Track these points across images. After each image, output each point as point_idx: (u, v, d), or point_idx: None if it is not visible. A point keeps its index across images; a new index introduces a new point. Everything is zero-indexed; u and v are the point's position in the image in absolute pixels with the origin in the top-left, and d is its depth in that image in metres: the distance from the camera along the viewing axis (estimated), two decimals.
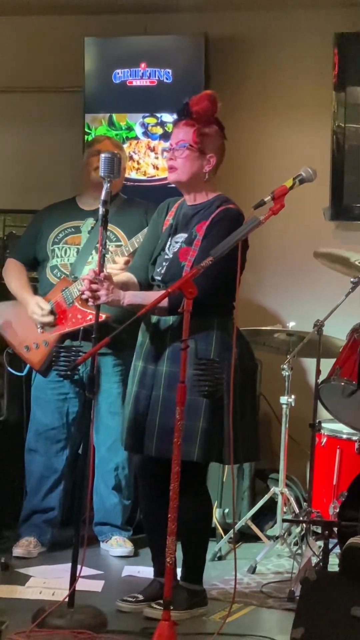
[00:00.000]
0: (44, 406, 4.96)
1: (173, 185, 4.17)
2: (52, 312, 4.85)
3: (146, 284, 4.13)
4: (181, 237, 4.05)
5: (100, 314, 4.01)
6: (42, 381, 4.96)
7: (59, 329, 4.85)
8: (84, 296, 4.03)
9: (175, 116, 4.15)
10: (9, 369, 5.16)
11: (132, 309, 3.92)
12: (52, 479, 4.94)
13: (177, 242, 4.05)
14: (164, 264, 4.05)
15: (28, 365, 5.02)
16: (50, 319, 4.85)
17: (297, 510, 4.87)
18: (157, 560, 4.10)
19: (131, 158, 5.81)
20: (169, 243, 4.08)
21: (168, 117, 5.77)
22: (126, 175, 5.31)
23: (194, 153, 4.01)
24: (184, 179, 4.04)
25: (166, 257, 4.05)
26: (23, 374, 5.09)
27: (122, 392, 4.77)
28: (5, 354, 5.15)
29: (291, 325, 5.08)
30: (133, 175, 5.75)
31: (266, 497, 4.96)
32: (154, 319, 4.02)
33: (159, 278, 4.04)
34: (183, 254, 3.99)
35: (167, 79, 5.83)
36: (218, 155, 4.06)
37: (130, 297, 3.97)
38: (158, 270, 4.06)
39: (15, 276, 5.06)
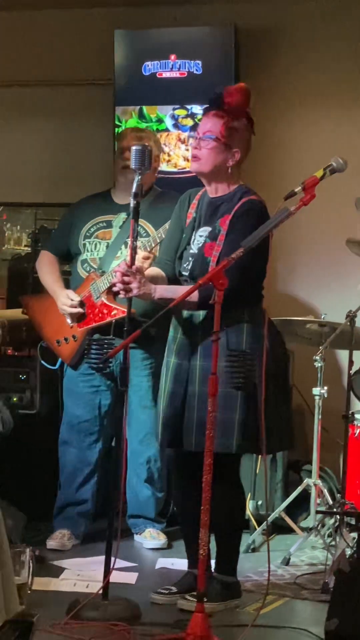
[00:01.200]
0: (75, 399, 4.97)
1: None
2: (81, 305, 4.85)
3: (174, 279, 4.10)
4: (205, 230, 4.02)
5: (125, 309, 4.00)
6: (73, 374, 4.97)
7: (85, 324, 4.85)
8: (115, 288, 4.01)
9: (205, 105, 4.11)
10: (42, 362, 5.18)
11: (163, 302, 3.91)
12: (85, 472, 4.95)
13: (201, 236, 4.02)
14: (190, 259, 4.02)
15: (60, 359, 5.04)
16: (78, 310, 4.84)
17: (330, 502, 4.86)
18: (192, 553, 4.10)
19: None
20: (193, 237, 4.05)
21: (198, 109, 5.75)
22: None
23: (219, 146, 3.97)
24: (206, 170, 4.00)
25: (191, 252, 4.02)
26: (56, 367, 5.10)
27: (152, 385, 4.78)
28: (40, 348, 5.18)
29: (323, 316, 5.07)
30: (164, 167, 5.71)
31: (299, 489, 4.95)
32: (185, 314, 4.00)
33: (187, 274, 4.02)
34: (208, 249, 3.96)
35: (197, 70, 5.81)
36: (244, 150, 4.01)
37: (161, 291, 3.96)
38: (185, 265, 4.03)
39: (47, 270, 5.06)
